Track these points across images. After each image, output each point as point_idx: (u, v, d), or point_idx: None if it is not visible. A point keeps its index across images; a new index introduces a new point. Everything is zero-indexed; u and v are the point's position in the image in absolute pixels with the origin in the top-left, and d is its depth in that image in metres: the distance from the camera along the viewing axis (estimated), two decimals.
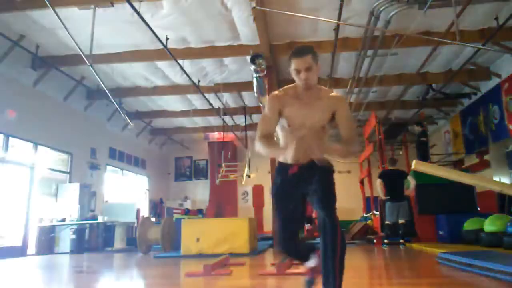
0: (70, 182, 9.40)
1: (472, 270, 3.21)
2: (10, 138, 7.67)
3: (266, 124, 2.12)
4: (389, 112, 11.59)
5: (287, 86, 2.17)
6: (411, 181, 6.73)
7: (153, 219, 10.89)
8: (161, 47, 7.03)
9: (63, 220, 8.40)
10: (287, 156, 2.13)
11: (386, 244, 6.77)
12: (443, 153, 12.20)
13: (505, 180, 8.51)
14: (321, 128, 2.11)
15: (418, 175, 6.53)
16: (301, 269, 3.75)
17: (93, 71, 6.41)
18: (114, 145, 11.79)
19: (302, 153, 2.07)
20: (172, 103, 11.36)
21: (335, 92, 2.20)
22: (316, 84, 2.13)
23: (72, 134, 9.55)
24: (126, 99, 10.96)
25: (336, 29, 6.63)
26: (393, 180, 6.95)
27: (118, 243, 9.17)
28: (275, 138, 2.21)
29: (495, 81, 9.00)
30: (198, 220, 8.52)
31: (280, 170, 2.18)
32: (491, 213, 6.53)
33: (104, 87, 6.92)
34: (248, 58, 7.43)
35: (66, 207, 8.71)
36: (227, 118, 11.89)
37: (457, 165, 11.47)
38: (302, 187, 2.12)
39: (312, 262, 2.27)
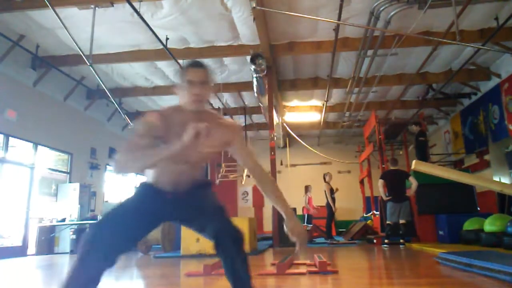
0: (70, 182, 9.39)
1: (472, 270, 3.21)
2: (10, 138, 7.67)
3: (132, 148, 1.62)
4: (389, 112, 11.59)
5: (168, 106, 1.79)
6: (412, 182, 6.73)
7: None
8: (161, 47, 7.03)
9: (63, 220, 8.40)
10: (161, 183, 1.77)
11: (386, 244, 6.77)
12: (443, 153, 12.20)
13: (505, 180, 8.51)
14: (203, 161, 1.84)
15: (418, 175, 6.53)
16: (301, 269, 3.75)
17: (93, 71, 6.42)
18: (114, 145, 11.78)
19: (178, 184, 1.77)
20: (172, 103, 11.29)
21: (229, 120, 1.90)
22: (207, 109, 1.81)
23: (72, 134, 9.55)
24: (126, 99, 10.96)
25: (336, 29, 6.63)
26: (395, 181, 6.94)
27: None
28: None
29: (495, 81, 9.01)
30: None
31: (153, 191, 1.78)
32: (491, 213, 6.53)
33: (104, 87, 6.92)
34: (248, 58, 7.44)
35: (66, 207, 8.70)
36: (227, 118, 11.88)
37: (457, 165, 11.47)
38: (176, 214, 1.80)
39: None
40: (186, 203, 1.78)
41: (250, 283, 1.66)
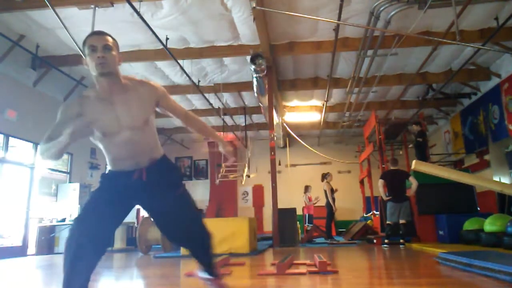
0: (70, 182, 9.40)
1: (472, 270, 3.21)
2: (10, 138, 7.67)
3: (54, 131, 1.67)
4: (389, 112, 11.59)
5: (85, 90, 1.81)
6: (413, 182, 6.73)
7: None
8: (161, 47, 7.03)
9: (63, 220, 8.40)
10: (121, 164, 1.78)
11: (386, 244, 6.77)
12: (443, 153, 12.21)
13: (505, 180, 8.51)
14: (143, 123, 1.81)
15: (418, 175, 6.53)
16: (301, 269, 3.75)
17: None
18: None
19: (135, 157, 1.78)
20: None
21: (146, 79, 1.93)
22: (120, 75, 1.79)
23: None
24: None
25: (336, 29, 6.63)
26: (395, 181, 6.94)
27: (118, 243, 9.15)
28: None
29: (495, 81, 9.01)
30: None
31: (115, 177, 1.80)
32: (491, 213, 6.53)
33: None
34: (248, 58, 7.44)
35: (66, 207, 8.71)
36: (227, 118, 11.89)
37: (457, 165, 11.47)
38: (142, 196, 1.82)
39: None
40: (149, 188, 1.79)
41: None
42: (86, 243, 1.62)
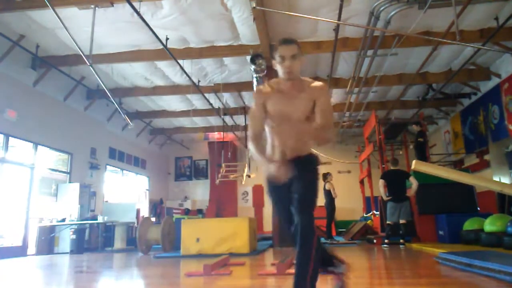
0: (70, 182, 9.40)
1: (472, 270, 3.21)
2: (10, 138, 7.67)
3: (254, 122, 2.11)
4: (389, 112, 11.59)
5: (272, 80, 2.14)
6: (413, 182, 6.73)
7: (153, 219, 10.90)
8: (161, 47, 7.03)
9: (63, 220, 8.40)
10: (274, 153, 2.10)
11: (386, 244, 6.77)
12: (443, 153, 12.21)
13: (505, 180, 8.51)
14: (305, 119, 2.06)
15: (418, 175, 6.53)
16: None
17: (93, 71, 6.42)
18: (114, 145, 11.79)
19: (287, 148, 2.06)
20: (172, 103, 11.36)
21: (317, 82, 2.16)
22: (299, 76, 2.11)
23: (72, 134, 9.56)
24: (126, 99, 10.97)
25: (336, 29, 6.62)
26: (395, 181, 6.95)
27: (118, 243, 9.16)
28: (263, 140, 2.15)
29: (495, 81, 9.01)
30: (198, 220, 8.52)
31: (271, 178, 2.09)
32: (491, 213, 6.53)
33: (104, 87, 6.92)
34: (248, 58, 7.44)
35: (66, 207, 8.70)
36: (227, 118, 11.89)
37: (457, 165, 11.47)
38: (287, 184, 2.04)
39: (338, 268, 2.29)
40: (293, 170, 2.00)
41: (303, 273, 1.90)
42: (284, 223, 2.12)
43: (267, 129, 2.13)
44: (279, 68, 2.03)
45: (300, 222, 1.90)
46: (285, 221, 2.11)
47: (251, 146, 2.09)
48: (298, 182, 2.01)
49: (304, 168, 2.04)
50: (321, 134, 2.02)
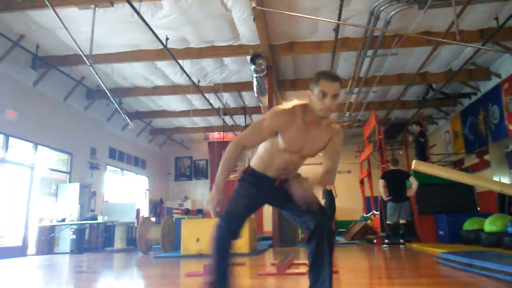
0: (70, 182, 9.40)
1: (472, 270, 3.21)
2: (10, 138, 7.67)
3: (257, 137, 1.94)
4: (389, 112, 11.59)
5: (296, 104, 1.93)
6: (413, 182, 6.73)
7: (153, 219, 10.90)
8: (161, 47, 7.03)
9: (63, 220, 8.40)
10: (266, 169, 2.01)
11: (386, 244, 6.77)
12: (443, 153, 12.21)
13: (505, 180, 8.51)
14: (312, 155, 2.03)
15: (418, 175, 6.53)
16: (302, 269, 3.75)
17: (93, 71, 6.42)
18: (114, 145, 11.79)
19: (284, 172, 2.01)
20: (172, 103, 11.36)
21: (334, 122, 2.08)
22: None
23: (72, 134, 9.56)
24: (126, 99, 10.97)
25: (336, 29, 6.62)
26: (395, 181, 6.94)
27: (118, 243, 9.16)
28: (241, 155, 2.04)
29: (495, 81, 9.01)
30: (198, 220, 8.51)
31: (259, 179, 2.04)
32: (491, 213, 6.53)
33: (104, 87, 6.92)
34: (248, 58, 7.44)
35: (66, 207, 8.70)
36: (227, 118, 11.89)
37: (457, 165, 11.48)
38: (277, 200, 2.08)
39: None
40: (284, 192, 2.00)
41: (330, 275, 1.92)
42: (233, 221, 1.98)
43: (270, 147, 1.99)
44: (315, 101, 1.83)
45: (326, 225, 1.95)
46: (237, 220, 1.98)
47: (231, 154, 1.92)
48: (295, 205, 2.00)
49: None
50: (328, 177, 1.99)
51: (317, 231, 1.93)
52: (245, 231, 6.18)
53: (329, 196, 8.87)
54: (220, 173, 1.93)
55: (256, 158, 2.06)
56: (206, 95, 9.65)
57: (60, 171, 9.55)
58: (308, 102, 1.88)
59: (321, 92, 1.80)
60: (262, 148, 2.03)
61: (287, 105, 1.92)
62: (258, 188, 2.03)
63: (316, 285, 1.93)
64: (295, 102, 1.94)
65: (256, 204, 2.09)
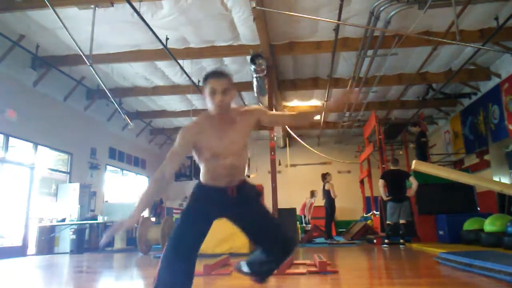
0: (70, 182, 9.39)
1: (472, 270, 3.21)
2: (10, 138, 7.67)
3: (176, 161, 1.92)
4: (389, 112, 11.59)
5: (200, 115, 2.03)
6: (413, 182, 6.73)
7: (153, 219, 10.89)
8: (161, 47, 7.03)
9: (63, 220, 8.40)
10: (215, 181, 1.99)
11: (386, 244, 6.77)
12: (443, 153, 12.21)
13: (505, 180, 8.51)
14: (242, 149, 2.02)
15: (418, 175, 6.53)
16: (301, 269, 3.75)
17: (93, 71, 6.42)
18: (114, 145, 11.79)
19: (231, 177, 1.99)
20: (172, 103, 11.36)
21: (241, 107, 2.10)
22: (229, 110, 2.01)
23: (72, 134, 9.56)
24: (126, 99, 10.96)
25: (336, 29, 6.63)
26: (395, 181, 6.94)
27: (118, 243, 9.16)
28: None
29: (495, 81, 9.01)
30: None
31: (210, 191, 2.00)
32: (491, 213, 6.53)
33: (104, 87, 6.92)
34: (248, 58, 7.44)
35: (66, 207, 8.70)
36: None
37: (457, 165, 11.47)
38: (234, 214, 2.07)
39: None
40: (240, 203, 2.03)
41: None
42: (184, 246, 1.88)
43: (204, 161, 1.98)
44: (209, 101, 1.93)
45: (288, 237, 2.08)
46: (187, 259, 1.85)
47: (152, 186, 1.89)
48: (255, 208, 2.06)
49: (254, 193, 2.10)
50: (304, 117, 2.18)
51: (275, 258, 2.06)
52: None
53: (328, 196, 8.88)
54: (138, 204, 1.88)
55: (202, 174, 2.03)
56: None
57: (60, 171, 9.55)
58: (208, 106, 1.97)
59: (210, 90, 1.90)
60: (201, 165, 2.03)
61: (190, 123, 2.00)
62: (210, 203, 1.98)
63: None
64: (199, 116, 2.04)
65: (208, 224, 1.99)
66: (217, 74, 1.93)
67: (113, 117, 11.27)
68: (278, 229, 2.07)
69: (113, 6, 6.01)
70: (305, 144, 12.25)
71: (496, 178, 8.63)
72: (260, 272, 2.19)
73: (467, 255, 3.55)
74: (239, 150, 2.00)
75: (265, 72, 7.50)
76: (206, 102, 1.96)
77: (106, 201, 10.68)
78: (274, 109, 8.96)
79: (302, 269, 3.72)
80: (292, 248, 2.11)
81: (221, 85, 1.89)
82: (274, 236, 2.04)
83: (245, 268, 2.23)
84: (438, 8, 5.93)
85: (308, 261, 4.25)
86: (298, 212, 9.85)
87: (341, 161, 13.36)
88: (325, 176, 9.11)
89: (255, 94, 8.77)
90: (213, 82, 1.90)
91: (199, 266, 3.99)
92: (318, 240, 9.36)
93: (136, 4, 5.80)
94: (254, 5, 5.63)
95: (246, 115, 2.05)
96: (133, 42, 7.60)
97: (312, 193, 10.29)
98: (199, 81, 9.28)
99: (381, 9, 6.02)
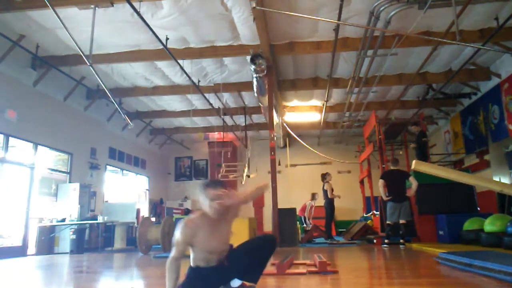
0: (70, 182, 9.39)
1: (472, 270, 3.21)
2: (10, 138, 7.67)
3: (181, 248, 2.21)
4: (389, 112, 11.59)
5: (198, 216, 2.27)
6: (413, 182, 6.73)
7: (153, 219, 10.90)
8: (161, 47, 7.03)
9: (63, 220, 8.40)
10: (208, 262, 2.27)
11: (386, 244, 6.77)
12: (443, 153, 12.21)
13: (505, 180, 8.51)
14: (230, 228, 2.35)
15: (418, 175, 6.53)
16: (301, 268, 3.75)
17: (93, 71, 6.41)
18: (114, 145, 11.79)
19: (221, 256, 2.30)
20: (172, 103, 11.36)
21: (228, 198, 2.32)
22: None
23: (72, 134, 9.56)
24: (126, 99, 10.97)
25: (336, 29, 6.63)
26: (395, 181, 6.94)
27: (118, 243, 9.16)
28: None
29: (495, 81, 9.01)
30: None
31: (208, 271, 2.27)
32: (491, 213, 6.53)
33: (104, 87, 6.92)
34: (248, 58, 7.44)
35: (66, 207, 8.70)
36: (227, 118, 11.89)
37: (457, 165, 11.48)
38: (229, 274, 2.33)
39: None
40: (232, 265, 2.32)
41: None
42: None
43: (196, 253, 2.27)
44: (206, 207, 2.20)
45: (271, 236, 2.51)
46: None
47: (172, 266, 2.20)
48: (245, 255, 2.33)
49: (241, 252, 2.36)
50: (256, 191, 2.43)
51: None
52: (245, 231, 6.19)
53: (327, 196, 8.90)
54: (168, 281, 2.20)
55: (194, 259, 2.29)
56: (206, 95, 9.64)
57: (60, 171, 9.55)
58: (204, 209, 2.24)
59: (210, 198, 2.18)
60: (193, 252, 2.29)
61: (188, 223, 2.22)
62: (210, 283, 2.28)
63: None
64: (196, 215, 2.28)
65: None
66: (217, 184, 2.23)
67: (113, 117, 11.27)
68: (258, 240, 2.46)
69: (113, 6, 6.01)
70: (305, 144, 12.26)
71: (496, 178, 8.63)
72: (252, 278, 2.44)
73: (467, 255, 3.55)
74: (228, 240, 2.33)
75: (265, 72, 7.51)
76: (202, 206, 2.23)
77: (106, 201, 10.68)
78: (274, 109, 8.97)
79: (302, 269, 3.72)
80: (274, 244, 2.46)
81: (219, 194, 2.18)
82: (258, 252, 2.38)
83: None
84: (438, 8, 5.93)
85: (308, 261, 4.25)
86: (297, 212, 9.86)
87: (341, 161, 13.36)
88: (324, 176, 9.12)
89: (255, 94, 8.77)
90: (218, 191, 2.19)
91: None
92: (318, 240, 9.36)
93: (136, 4, 5.80)
94: (254, 5, 5.63)
95: (231, 209, 2.31)
96: (133, 42, 7.60)
97: (313, 196, 10.29)
98: (199, 81, 9.29)
99: (381, 9, 6.02)
